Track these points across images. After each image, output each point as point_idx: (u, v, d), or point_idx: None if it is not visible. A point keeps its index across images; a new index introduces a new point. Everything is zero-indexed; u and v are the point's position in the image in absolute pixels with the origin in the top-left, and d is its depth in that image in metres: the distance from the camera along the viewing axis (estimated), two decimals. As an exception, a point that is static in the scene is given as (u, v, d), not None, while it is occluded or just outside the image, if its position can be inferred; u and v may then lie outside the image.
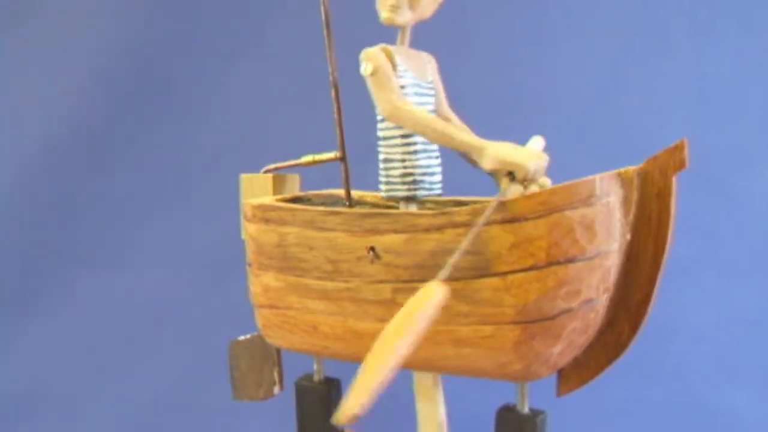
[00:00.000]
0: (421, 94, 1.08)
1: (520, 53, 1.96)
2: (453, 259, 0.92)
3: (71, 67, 2.10)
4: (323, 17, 1.14)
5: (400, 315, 0.87)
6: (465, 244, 0.93)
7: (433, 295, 0.88)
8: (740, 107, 1.96)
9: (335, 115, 1.15)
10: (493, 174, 1.00)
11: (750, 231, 1.94)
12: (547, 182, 1.05)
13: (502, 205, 0.94)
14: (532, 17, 1.99)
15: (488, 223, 0.94)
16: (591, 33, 1.96)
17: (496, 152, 0.96)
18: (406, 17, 1.07)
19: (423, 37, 1.13)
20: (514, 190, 0.96)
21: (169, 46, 2.06)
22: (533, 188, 1.00)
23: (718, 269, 1.90)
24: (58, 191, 2.08)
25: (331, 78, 1.14)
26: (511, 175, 0.95)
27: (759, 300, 1.91)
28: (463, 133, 1.00)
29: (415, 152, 1.06)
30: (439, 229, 0.98)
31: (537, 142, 1.05)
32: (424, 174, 1.07)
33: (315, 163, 1.15)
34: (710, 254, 1.89)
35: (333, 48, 1.14)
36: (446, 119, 1.13)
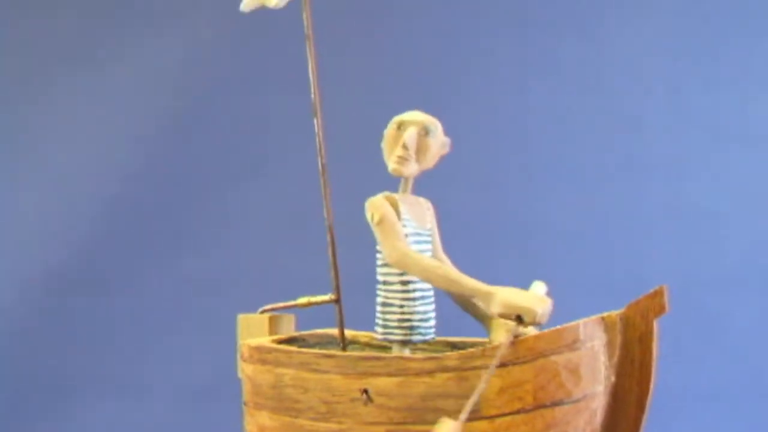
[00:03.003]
0: (421, 242, 1.13)
1: (508, 187, 2.03)
2: (471, 400, 0.96)
3: (72, 191, 2.14)
4: (320, 163, 1.20)
5: None
6: (480, 386, 0.97)
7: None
8: (720, 236, 2.02)
9: (330, 258, 1.19)
10: (500, 317, 1.03)
11: (733, 356, 1.97)
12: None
13: (512, 346, 0.98)
14: (518, 149, 2.06)
15: (475, 369, 0.98)
16: (575, 168, 2.03)
17: (504, 297, 1.00)
18: (412, 169, 1.12)
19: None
20: (523, 332, 1.01)
21: (169, 181, 2.11)
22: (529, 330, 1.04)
23: (704, 397, 1.93)
24: (54, 319, 2.10)
25: (326, 222, 1.19)
26: (519, 319, 1.00)
27: (747, 427, 1.93)
28: (469, 279, 1.05)
29: (414, 298, 1.10)
30: (430, 373, 1.02)
31: (540, 287, 1.10)
32: (420, 320, 1.11)
33: (311, 305, 1.20)
34: (696, 381, 1.91)
35: (329, 193, 1.20)
36: (441, 263, 1.16)
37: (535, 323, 1.00)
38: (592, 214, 2.01)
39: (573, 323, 0.99)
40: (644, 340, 1.02)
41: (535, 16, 2.08)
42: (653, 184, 2.03)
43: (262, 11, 1.22)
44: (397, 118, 1.13)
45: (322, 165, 1.19)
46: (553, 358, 0.98)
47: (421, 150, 1.12)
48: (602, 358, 1.01)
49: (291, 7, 1.21)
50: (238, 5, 1.21)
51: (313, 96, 1.20)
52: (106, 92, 2.17)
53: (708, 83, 2.05)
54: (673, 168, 2.03)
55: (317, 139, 1.19)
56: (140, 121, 2.14)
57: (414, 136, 1.11)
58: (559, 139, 2.05)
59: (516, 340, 0.99)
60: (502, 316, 1.01)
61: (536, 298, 1.01)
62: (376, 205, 1.09)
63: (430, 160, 1.14)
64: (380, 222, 1.08)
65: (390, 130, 1.13)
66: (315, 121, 1.20)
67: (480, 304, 1.09)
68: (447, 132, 1.15)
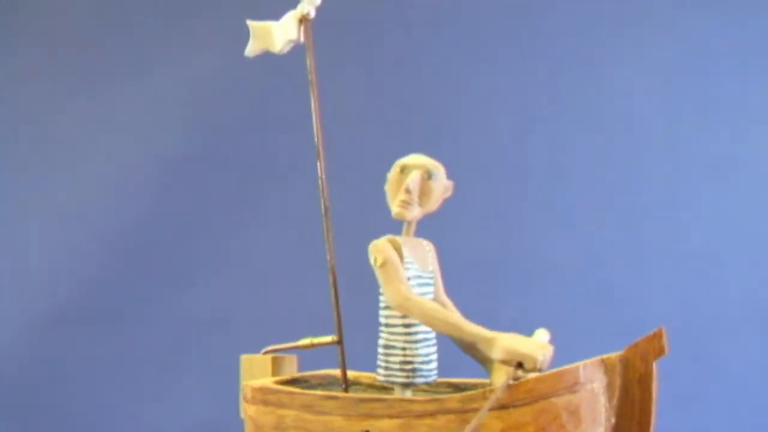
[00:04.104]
0: (423, 284, 1.14)
1: (508, 229, 2.04)
2: None
3: (76, 227, 2.16)
4: (322, 205, 1.21)
5: None
6: (470, 428, 0.98)
7: None
8: (720, 277, 2.02)
9: (332, 300, 1.20)
10: (502, 363, 1.04)
11: (733, 397, 1.97)
12: None
13: (508, 389, 0.99)
14: (519, 191, 2.08)
15: (476, 411, 0.99)
16: (574, 210, 2.05)
17: (505, 344, 1.01)
18: (415, 213, 1.13)
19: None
20: (522, 376, 1.02)
21: (173, 220, 2.13)
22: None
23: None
24: (57, 356, 2.11)
25: (329, 264, 1.20)
26: (520, 365, 1.00)
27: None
28: (470, 324, 1.06)
29: (416, 341, 1.11)
30: (432, 414, 1.03)
31: (542, 334, 1.10)
32: (423, 362, 1.12)
33: (313, 346, 1.21)
34: (695, 423, 1.91)
35: (331, 235, 1.21)
36: (442, 305, 1.16)
37: (535, 370, 1.00)
38: (591, 255, 2.03)
39: (573, 365, 1.00)
40: (644, 381, 1.02)
41: (534, 58, 2.11)
42: (652, 226, 2.04)
43: (267, 56, 1.24)
44: (400, 162, 1.14)
45: (325, 207, 1.21)
46: (554, 400, 0.99)
47: (424, 194, 1.13)
48: (602, 399, 1.02)
49: (295, 53, 1.23)
50: (244, 49, 1.24)
51: (316, 139, 1.22)
52: (112, 129, 2.19)
53: (706, 124, 2.07)
54: (672, 210, 2.04)
55: (320, 181, 1.21)
56: (144, 159, 2.16)
57: (417, 180, 1.12)
58: (559, 180, 2.07)
59: (512, 384, 1.00)
60: (504, 362, 1.02)
61: (537, 344, 1.02)
62: (380, 249, 1.10)
63: (433, 203, 1.14)
64: (383, 265, 1.09)
65: (393, 174, 1.14)
66: (318, 163, 1.22)
67: (481, 348, 1.10)
68: (448, 174, 1.16)
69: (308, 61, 1.22)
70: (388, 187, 1.14)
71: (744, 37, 2.07)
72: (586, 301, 1.99)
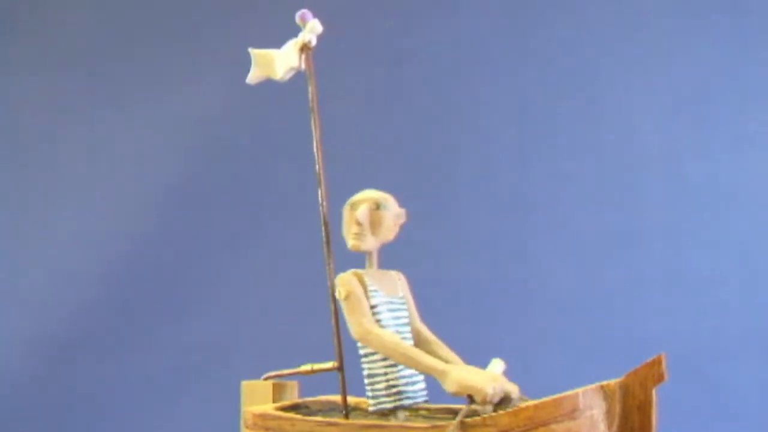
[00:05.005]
0: (394, 310, 1.17)
1: (508, 255, 2.05)
2: None
3: (75, 256, 2.16)
4: (323, 233, 1.22)
5: None
6: None
7: None
8: (719, 302, 2.03)
9: (333, 326, 1.21)
10: (454, 396, 1.07)
11: (734, 423, 1.97)
12: (514, 389, 1.09)
13: (463, 425, 1.01)
14: (518, 218, 2.08)
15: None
16: (573, 236, 2.05)
17: (456, 377, 1.04)
18: (369, 243, 1.18)
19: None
20: (475, 411, 1.03)
21: (173, 247, 2.13)
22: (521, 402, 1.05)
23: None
24: (56, 385, 2.10)
25: (329, 291, 1.21)
26: (470, 398, 1.03)
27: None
28: (426, 357, 1.09)
29: (396, 364, 1.13)
30: (431, 441, 1.03)
31: (497, 365, 1.11)
32: (407, 384, 1.14)
33: (314, 372, 1.21)
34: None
35: (332, 262, 1.22)
36: (417, 332, 1.21)
37: (485, 403, 1.02)
38: (591, 281, 2.03)
39: (572, 392, 1.01)
40: (643, 408, 1.03)
41: (534, 86, 2.12)
42: (652, 251, 2.05)
43: (268, 83, 1.25)
44: (349, 200, 1.19)
45: (326, 234, 1.22)
46: (553, 426, 0.99)
47: (375, 224, 1.17)
48: (602, 426, 1.02)
49: (296, 80, 1.24)
50: (245, 77, 1.25)
51: (317, 166, 1.23)
52: (112, 157, 2.20)
53: (704, 150, 2.08)
54: (671, 235, 2.05)
55: (321, 209, 1.22)
56: (145, 187, 2.17)
57: (366, 212, 1.17)
58: (558, 206, 2.08)
59: (466, 420, 1.01)
60: (455, 394, 1.04)
61: (488, 377, 1.04)
62: (344, 282, 1.14)
63: (387, 232, 1.19)
64: (347, 298, 1.13)
65: (345, 212, 1.19)
66: (319, 190, 1.22)
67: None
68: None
69: (309, 89, 1.23)
70: (343, 225, 1.19)
71: (743, 63, 2.09)
72: (586, 327, 1.99)
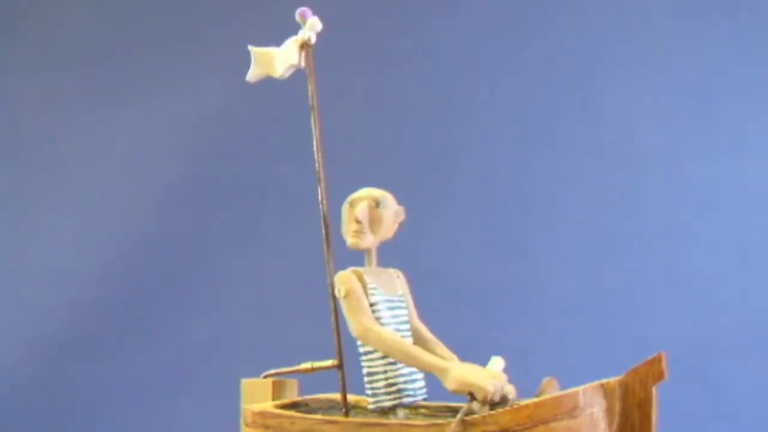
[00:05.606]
0: (393, 308, 1.17)
1: (508, 253, 2.05)
2: None
3: (74, 255, 2.16)
4: (323, 231, 1.22)
5: None
6: None
7: None
8: (719, 301, 2.03)
9: (333, 324, 1.21)
10: (454, 394, 1.07)
11: (733, 421, 1.97)
12: (512, 390, 1.09)
13: (464, 423, 1.01)
14: (518, 216, 2.08)
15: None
16: (573, 234, 2.05)
17: (457, 375, 1.04)
18: (368, 241, 1.18)
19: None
20: (476, 409, 1.03)
21: (172, 246, 2.13)
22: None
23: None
24: (56, 383, 2.10)
25: (330, 289, 1.21)
26: (471, 396, 1.03)
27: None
28: (426, 355, 1.09)
29: (395, 363, 1.13)
30: (431, 439, 1.03)
31: (497, 363, 1.11)
32: (406, 382, 1.14)
33: (313, 370, 1.21)
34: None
35: (332, 260, 1.22)
36: (416, 330, 1.20)
37: (486, 401, 1.02)
38: (591, 280, 2.03)
39: (572, 390, 1.01)
40: (643, 406, 1.03)
41: (535, 86, 2.12)
42: (652, 250, 2.05)
43: (268, 81, 1.25)
44: (348, 198, 1.19)
45: (326, 232, 1.22)
46: (553, 424, 0.99)
47: (374, 221, 1.18)
48: (602, 424, 1.02)
49: (296, 78, 1.24)
50: (244, 75, 1.25)
51: (317, 164, 1.23)
52: (111, 156, 2.20)
53: (704, 149, 2.08)
54: (671, 234, 2.05)
55: (320, 207, 1.22)
56: (144, 186, 2.17)
57: (365, 210, 1.17)
58: (558, 205, 2.08)
59: (466, 419, 1.01)
60: (456, 392, 1.04)
61: (489, 375, 1.04)
62: (343, 280, 1.14)
63: (386, 230, 1.19)
64: (346, 296, 1.13)
65: (344, 209, 1.19)
66: (318, 188, 1.22)
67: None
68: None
69: (309, 87, 1.23)
70: (342, 223, 1.19)
71: (743, 63, 2.09)
72: (586, 326, 1.99)
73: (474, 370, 1.05)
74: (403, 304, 1.20)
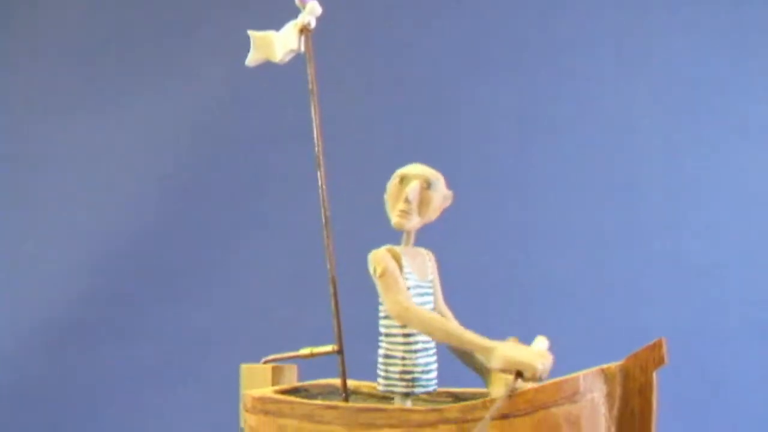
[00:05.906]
0: (422, 294, 1.14)
1: (509, 241, 2.05)
2: None
3: (72, 243, 2.16)
4: (323, 215, 1.22)
5: None
6: None
7: None
8: (719, 289, 2.03)
9: (333, 309, 1.20)
10: (501, 372, 1.05)
11: (734, 407, 1.98)
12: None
13: (509, 399, 0.99)
14: (519, 206, 2.08)
15: (476, 421, 0.99)
16: (575, 224, 2.06)
17: (504, 353, 1.01)
18: (414, 222, 1.13)
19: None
20: (521, 386, 1.01)
21: (171, 233, 2.13)
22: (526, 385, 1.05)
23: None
24: (51, 374, 2.10)
25: (329, 274, 1.20)
26: (519, 374, 1.00)
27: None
28: (469, 333, 1.05)
29: (416, 351, 1.11)
30: (432, 425, 1.02)
31: (541, 342, 1.10)
32: (422, 372, 1.12)
33: (313, 356, 1.21)
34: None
35: (332, 245, 1.21)
36: (441, 314, 1.17)
37: (535, 379, 1.00)
38: (592, 267, 2.03)
39: (573, 375, 1.00)
40: (644, 391, 1.02)
41: (535, 79, 2.11)
42: (652, 239, 2.04)
43: (267, 66, 1.25)
44: (399, 172, 1.14)
45: (325, 217, 1.21)
46: (554, 410, 0.99)
47: (423, 203, 1.13)
48: (602, 410, 1.02)
49: (296, 62, 1.24)
50: (243, 60, 1.24)
51: (316, 149, 1.22)
52: (111, 145, 2.19)
53: (704, 142, 2.08)
54: (671, 225, 2.05)
55: (320, 192, 1.21)
56: (142, 172, 2.17)
57: (417, 190, 1.12)
58: (560, 195, 2.08)
59: (513, 393, 1.00)
60: (503, 371, 1.02)
61: (537, 353, 1.02)
62: (379, 259, 1.10)
63: (432, 213, 1.14)
64: (382, 275, 1.09)
65: (392, 183, 1.14)
66: (318, 173, 1.22)
67: (480, 358, 1.10)
68: (450, 186, 1.16)
69: (309, 71, 1.23)
70: (388, 197, 1.14)
71: (743, 60, 2.08)
72: (587, 312, 1.99)
73: (521, 348, 1.02)
74: (431, 290, 1.16)
